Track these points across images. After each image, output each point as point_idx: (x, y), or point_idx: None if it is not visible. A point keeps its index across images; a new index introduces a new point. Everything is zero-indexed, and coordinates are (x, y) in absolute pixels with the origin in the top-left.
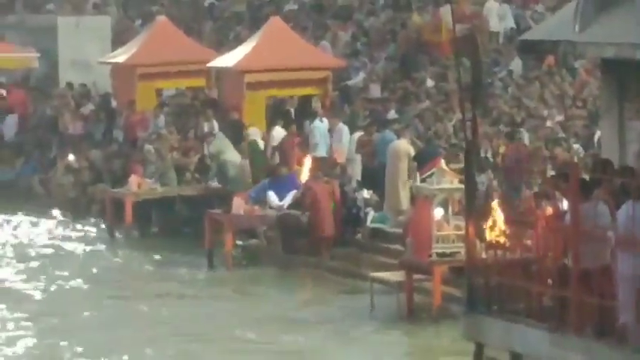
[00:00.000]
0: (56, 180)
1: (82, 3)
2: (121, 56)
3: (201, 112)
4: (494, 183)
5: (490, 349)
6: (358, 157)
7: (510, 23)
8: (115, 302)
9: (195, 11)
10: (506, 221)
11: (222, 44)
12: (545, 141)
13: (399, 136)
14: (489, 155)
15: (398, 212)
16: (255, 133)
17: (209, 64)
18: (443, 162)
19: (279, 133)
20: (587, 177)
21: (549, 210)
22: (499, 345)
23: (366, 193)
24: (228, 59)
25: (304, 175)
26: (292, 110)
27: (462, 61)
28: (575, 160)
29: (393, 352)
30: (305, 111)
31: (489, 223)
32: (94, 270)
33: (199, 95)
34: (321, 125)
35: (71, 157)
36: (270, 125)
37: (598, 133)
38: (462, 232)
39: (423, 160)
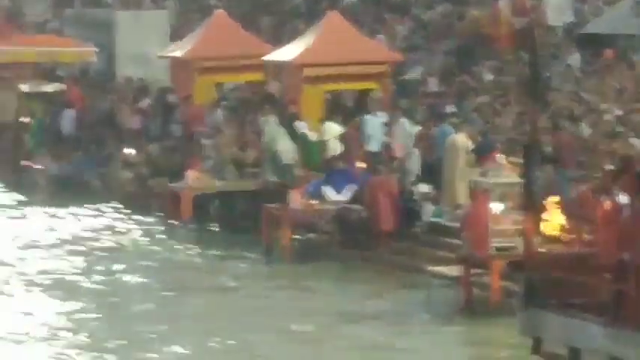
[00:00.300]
0: (114, 174)
1: None
2: (179, 50)
3: (259, 106)
4: (552, 177)
5: (548, 344)
6: (417, 151)
7: (569, 17)
8: (174, 295)
9: (252, 5)
10: (564, 215)
11: (280, 38)
12: (604, 135)
13: (457, 130)
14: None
15: (456, 206)
16: (303, 127)
17: (267, 58)
18: (501, 156)
19: (330, 127)
20: None
21: (607, 204)
22: (557, 339)
23: (424, 187)
24: (287, 53)
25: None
26: (349, 104)
27: (520, 55)
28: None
29: (450, 346)
30: (363, 105)
31: (547, 217)
32: (153, 263)
33: (259, 90)
34: (373, 119)
35: (130, 151)
36: (324, 120)
37: None
38: (520, 227)
39: (481, 154)
